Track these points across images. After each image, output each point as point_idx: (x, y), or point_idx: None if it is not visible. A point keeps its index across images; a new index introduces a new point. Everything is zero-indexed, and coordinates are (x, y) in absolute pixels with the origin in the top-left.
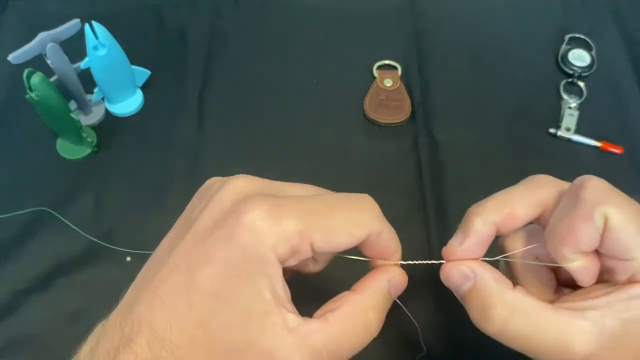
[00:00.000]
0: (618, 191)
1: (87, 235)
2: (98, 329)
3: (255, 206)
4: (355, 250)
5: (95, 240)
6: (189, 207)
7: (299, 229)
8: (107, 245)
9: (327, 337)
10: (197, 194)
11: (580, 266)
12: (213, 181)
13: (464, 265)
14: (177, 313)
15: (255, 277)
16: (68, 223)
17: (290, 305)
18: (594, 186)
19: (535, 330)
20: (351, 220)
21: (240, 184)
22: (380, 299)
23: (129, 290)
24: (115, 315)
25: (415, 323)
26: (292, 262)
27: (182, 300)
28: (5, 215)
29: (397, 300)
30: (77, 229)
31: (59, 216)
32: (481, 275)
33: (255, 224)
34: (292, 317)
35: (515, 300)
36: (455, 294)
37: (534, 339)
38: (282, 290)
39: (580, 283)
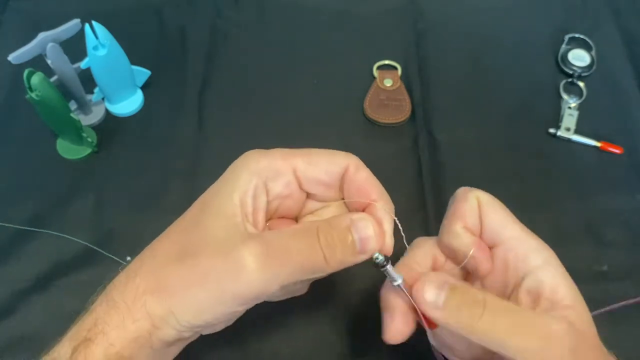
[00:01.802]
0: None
1: (82, 242)
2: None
3: (251, 150)
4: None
5: (90, 245)
6: None
7: (284, 151)
8: (102, 251)
9: (281, 246)
10: None
11: (473, 253)
12: None
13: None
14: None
15: (230, 182)
16: (63, 235)
17: (253, 218)
18: (464, 188)
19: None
20: (333, 152)
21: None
22: (338, 229)
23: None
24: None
25: None
26: (277, 186)
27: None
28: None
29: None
30: (72, 237)
31: (54, 232)
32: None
33: (247, 154)
34: (250, 226)
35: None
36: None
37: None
38: (251, 200)
39: (481, 272)
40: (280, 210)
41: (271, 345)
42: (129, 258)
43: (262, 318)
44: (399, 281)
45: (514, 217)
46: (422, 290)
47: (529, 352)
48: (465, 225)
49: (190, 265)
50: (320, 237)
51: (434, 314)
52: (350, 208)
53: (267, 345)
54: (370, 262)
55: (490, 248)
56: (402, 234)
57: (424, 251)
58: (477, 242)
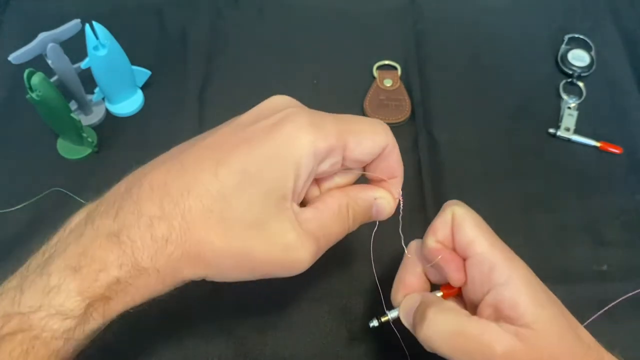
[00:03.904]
0: (472, 209)
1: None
2: (86, 206)
3: (300, 111)
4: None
5: None
6: (227, 121)
7: (337, 130)
8: None
9: (319, 223)
10: (235, 118)
11: (439, 261)
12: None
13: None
14: (198, 181)
15: (288, 162)
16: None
17: (298, 199)
18: (451, 201)
19: (461, 331)
20: (377, 129)
21: (280, 97)
22: (361, 205)
23: (133, 173)
24: (117, 185)
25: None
26: (325, 166)
27: (208, 172)
28: (22, 205)
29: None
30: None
31: (73, 195)
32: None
33: (299, 121)
34: (295, 206)
35: (446, 308)
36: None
37: (460, 341)
38: (302, 185)
39: (452, 282)
40: None
41: (271, 346)
42: None
43: (262, 318)
44: (394, 314)
45: (486, 231)
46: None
47: None
48: (437, 239)
49: (236, 248)
50: (350, 215)
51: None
52: (368, 176)
53: (267, 345)
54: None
55: (465, 260)
56: (401, 234)
57: (413, 265)
58: (446, 253)
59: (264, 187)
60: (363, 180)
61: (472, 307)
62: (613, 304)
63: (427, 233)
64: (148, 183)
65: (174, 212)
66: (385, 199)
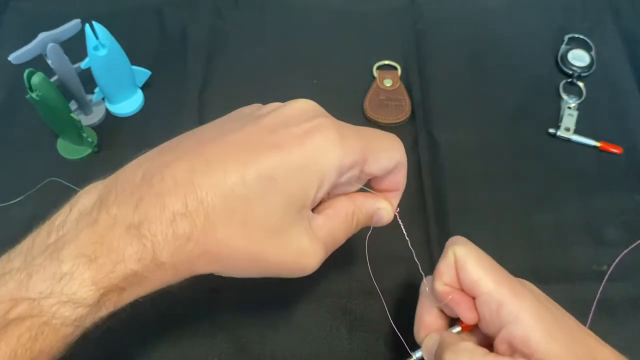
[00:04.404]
0: (474, 245)
1: None
2: (94, 186)
3: (329, 122)
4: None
5: None
6: (241, 111)
7: (361, 146)
8: None
9: (328, 230)
10: (243, 108)
11: (453, 297)
12: (257, 106)
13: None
14: (225, 182)
15: (315, 175)
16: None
17: (312, 206)
18: (452, 239)
19: None
20: (392, 147)
21: (306, 102)
22: (365, 213)
23: (147, 154)
24: (131, 170)
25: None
26: (344, 178)
27: (236, 173)
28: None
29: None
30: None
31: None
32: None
33: (329, 135)
34: (310, 212)
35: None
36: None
37: None
38: (321, 195)
39: (465, 321)
40: None
41: (271, 346)
42: None
43: (262, 318)
44: (419, 355)
45: (490, 268)
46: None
47: None
48: (444, 282)
49: (253, 251)
50: (354, 221)
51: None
52: (371, 184)
53: (267, 345)
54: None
55: (474, 299)
56: (407, 238)
57: (429, 303)
58: (455, 294)
59: (287, 195)
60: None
61: (490, 340)
62: (613, 264)
63: (433, 277)
64: (171, 177)
65: (197, 210)
66: (386, 210)
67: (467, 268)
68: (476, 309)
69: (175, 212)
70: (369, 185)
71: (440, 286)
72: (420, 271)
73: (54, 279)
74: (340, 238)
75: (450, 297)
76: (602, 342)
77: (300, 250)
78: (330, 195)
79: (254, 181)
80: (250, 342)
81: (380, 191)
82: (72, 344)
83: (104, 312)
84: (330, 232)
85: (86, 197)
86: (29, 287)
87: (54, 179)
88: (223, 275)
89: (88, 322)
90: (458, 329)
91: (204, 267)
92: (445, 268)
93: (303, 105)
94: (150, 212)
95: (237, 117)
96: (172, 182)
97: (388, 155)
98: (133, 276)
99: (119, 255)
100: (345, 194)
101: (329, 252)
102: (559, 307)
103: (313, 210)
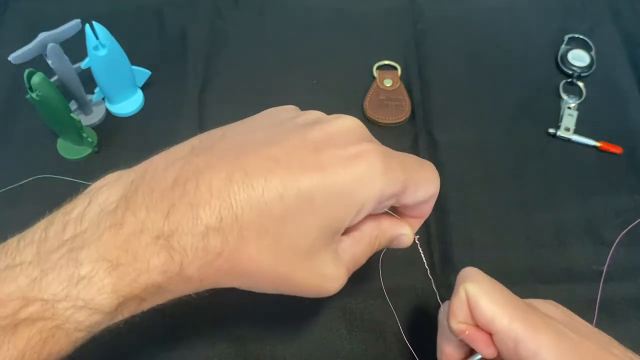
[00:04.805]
0: (486, 276)
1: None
2: (117, 178)
3: (376, 149)
4: None
5: None
6: (277, 114)
7: (403, 178)
8: None
9: (354, 253)
10: (279, 110)
11: (468, 333)
12: (293, 109)
13: None
14: (262, 199)
15: (354, 203)
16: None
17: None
18: (463, 272)
19: None
20: (430, 180)
21: (352, 121)
22: (388, 238)
23: (176, 150)
24: (162, 169)
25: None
26: (380, 206)
27: (274, 191)
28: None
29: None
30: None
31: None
32: None
33: (375, 164)
34: (339, 236)
35: None
36: None
37: None
38: (355, 222)
39: (484, 356)
40: None
41: (271, 346)
42: None
43: (262, 318)
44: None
45: (503, 303)
46: None
47: None
48: (459, 320)
49: (281, 272)
50: (376, 244)
51: None
52: (397, 209)
53: (267, 345)
54: None
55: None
56: (426, 266)
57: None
58: (471, 331)
59: (323, 219)
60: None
61: None
62: (606, 264)
63: (447, 315)
64: (207, 185)
65: (232, 226)
66: (408, 236)
67: (479, 306)
68: (494, 344)
69: (209, 226)
70: (394, 209)
71: (455, 324)
72: (438, 300)
73: (71, 281)
74: (362, 260)
75: (467, 332)
76: None
77: (325, 275)
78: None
79: (292, 201)
80: (250, 342)
81: (404, 216)
82: (80, 346)
83: (119, 319)
84: (354, 256)
85: (108, 191)
86: (42, 287)
87: (46, 175)
88: (243, 289)
89: (101, 328)
90: (479, 356)
91: (228, 282)
92: (458, 307)
93: (350, 125)
94: (182, 223)
95: (275, 121)
96: (207, 192)
97: (426, 187)
98: (156, 287)
99: (143, 265)
100: (372, 215)
101: (350, 273)
102: (581, 325)
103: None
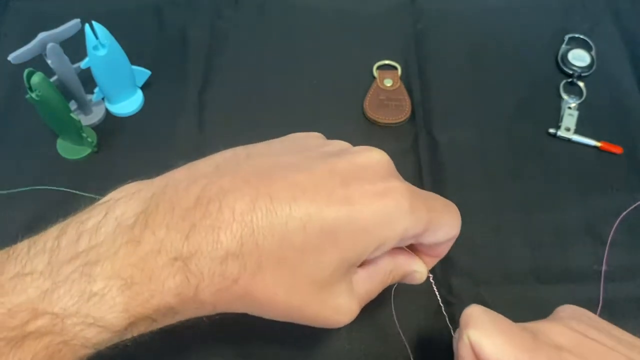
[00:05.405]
0: (488, 316)
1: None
2: (137, 190)
3: (404, 188)
4: None
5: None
6: (303, 140)
7: (426, 221)
8: None
9: (368, 287)
10: (305, 137)
11: None
12: (319, 136)
13: None
14: (285, 228)
15: (377, 239)
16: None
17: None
18: (465, 313)
19: None
20: (452, 223)
21: (381, 155)
22: (401, 273)
23: (199, 165)
24: (184, 186)
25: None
26: (399, 244)
27: (299, 221)
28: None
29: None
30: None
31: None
32: None
33: (402, 204)
34: (355, 269)
35: None
36: None
37: None
38: (374, 257)
39: None
40: None
41: (271, 346)
42: None
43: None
44: None
45: (509, 346)
46: None
47: None
48: None
49: (294, 303)
50: (390, 279)
51: None
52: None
53: (267, 345)
54: None
55: None
56: (441, 304)
57: None
58: None
59: (343, 253)
60: None
61: None
62: (603, 262)
63: (455, 357)
64: (230, 209)
65: (252, 254)
66: (421, 274)
67: (483, 353)
68: None
69: (229, 250)
70: (411, 245)
71: None
72: (439, 300)
73: (82, 296)
74: (375, 294)
75: None
76: None
77: (338, 308)
78: None
79: (315, 232)
80: (250, 342)
81: (419, 253)
82: None
83: (127, 337)
84: (367, 290)
85: (126, 205)
86: (53, 300)
87: (48, 187)
88: (254, 315)
89: (108, 345)
90: None
91: (240, 308)
92: (464, 351)
93: (378, 159)
94: (202, 245)
95: (301, 147)
96: (230, 216)
97: (447, 231)
98: (168, 309)
99: (158, 287)
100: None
101: (361, 307)
102: (598, 342)
103: None
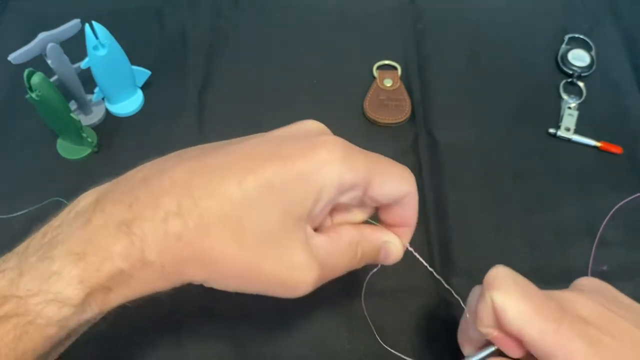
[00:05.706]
0: (515, 280)
1: None
2: (97, 189)
3: (337, 140)
4: None
5: None
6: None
7: (366, 166)
8: None
9: (327, 252)
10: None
11: (496, 335)
12: None
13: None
14: (221, 186)
15: (313, 186)
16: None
17: (312, 223)
18: (491, 274)
19: None
20: (403, 175)
21: (316, 123)
22: (372, 247)
23: (151, 161)
24: (132, 173)
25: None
26: (345, 198)
27: (233, 179)
28: (21, 213)
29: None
30: None
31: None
32: None
33: (335, 151)
34: (309, 229)
35: None
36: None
37: None
38: (319, 210)
39: (512, 356)
40: None
41: (271, 346)
42: None
43: (262, 318)
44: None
45: (532, 316)
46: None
47: None
48: (485, 325)
49: (245, 259)
50: (359, 252)
51: None
52: (379, 217)
53: (267, 345)
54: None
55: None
56: (430, 269)
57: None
58: (499, 336)
59: (284, 204)
60: (374, 219)
61: None
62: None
63: (473, 320)
64: (169, 178)
65: (191, 212)
66: (394, 244)
67: (506, 318)
68: (523, 347)
69: (168, 211)
70: (378, 219)
71: (483, 329)
72: (445, 285)
73: (43, 277)
74: (341, 265)
75: (494, 335)
76: None
77: (292, 263)
78: (334, 222)
79: (251, 188)
80: (250, 342)
81: (389, 225)
82: (57, 344)
83: (89, 313)
84: (330, 255)
85: (85, 200)
86: (19, 285)
87: (59, 199)
88: (213, 286)
89: (73, 323)
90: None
91: (193, 273)
92: (485, 312)
93: (310, 124)
94: (143, 210)
95: (249, 137)
96: (169, 183)
97: (395, 183)
98: (119, 274)
99: (106, 253)
100: (352, 223)
101: (326, 278)
102: (623, 317)
103: (315, 230)
